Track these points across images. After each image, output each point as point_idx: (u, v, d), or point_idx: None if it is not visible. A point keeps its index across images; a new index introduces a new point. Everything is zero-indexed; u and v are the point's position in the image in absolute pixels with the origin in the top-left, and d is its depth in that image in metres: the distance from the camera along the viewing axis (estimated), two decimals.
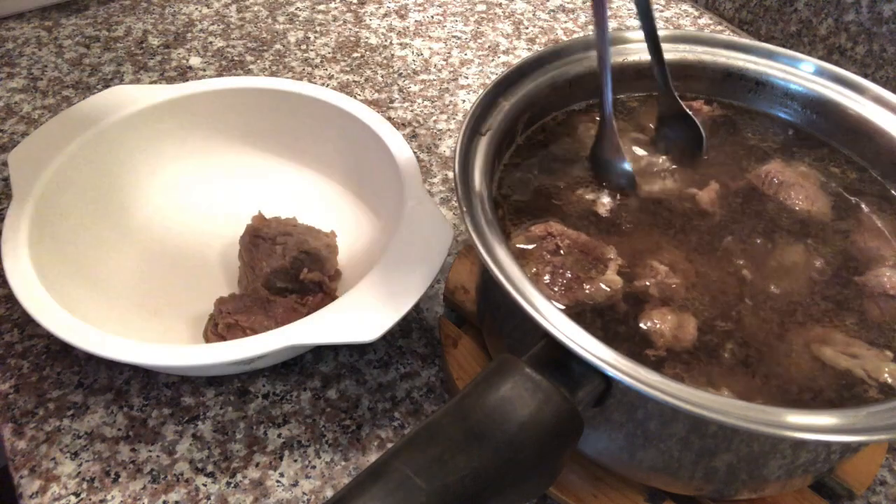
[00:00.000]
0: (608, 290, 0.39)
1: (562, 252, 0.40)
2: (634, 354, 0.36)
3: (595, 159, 0.46)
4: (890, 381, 0.36)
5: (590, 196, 0.45)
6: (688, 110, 0.47)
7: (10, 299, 0.52)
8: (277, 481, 0.43)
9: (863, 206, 0.45)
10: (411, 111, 0.71)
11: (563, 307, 0.38)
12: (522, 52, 0.80)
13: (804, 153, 0.48)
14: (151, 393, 0.47)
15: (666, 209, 0.44)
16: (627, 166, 0.45)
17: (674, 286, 0.39)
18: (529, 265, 0.40)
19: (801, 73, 0.48)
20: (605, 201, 0.44)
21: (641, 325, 0.38)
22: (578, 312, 0.38)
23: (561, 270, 0.39)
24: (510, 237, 0.41)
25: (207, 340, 0.47)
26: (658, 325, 0.37)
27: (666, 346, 0.37)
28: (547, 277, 0.39)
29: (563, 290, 0.39)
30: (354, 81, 0.74)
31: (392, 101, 0.72)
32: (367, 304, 0.43)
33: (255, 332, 0.45)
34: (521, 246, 0.41)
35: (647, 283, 0.39)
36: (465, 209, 0.37)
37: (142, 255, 0.54)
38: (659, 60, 0.46)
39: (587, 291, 0.39)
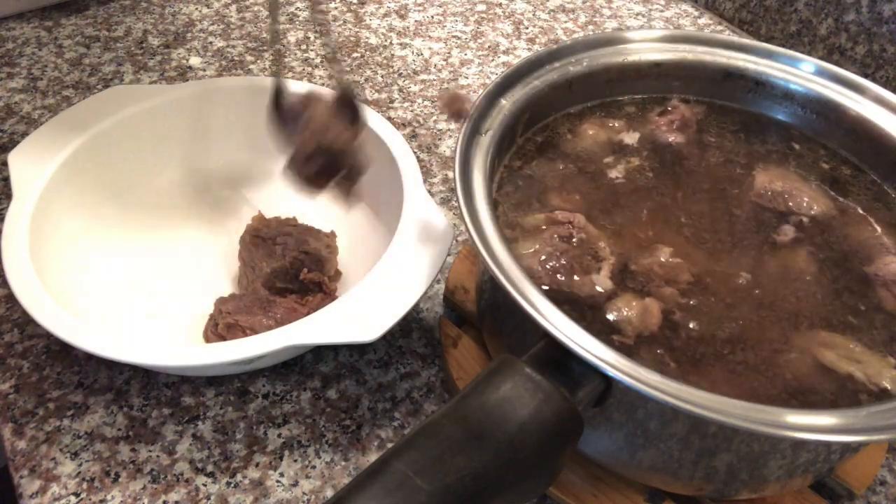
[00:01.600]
0: (599, 290, 0.39)
1: (572, 242, 0.40)
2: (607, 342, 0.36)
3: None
4: (890, 387, 0.36)
5: (590, 195, 0.45)
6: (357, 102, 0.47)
7: (10, 299, 0.52)
8: (277, 481, 0.43)
9: (862, 203, 0.45)
10: (411, 111, 0.71)
11: (544, 287, 0.38)
12: (522, 52, 0.80)
13: (803, 154, 0.48)
14: (151, 393, 0.47)
15: (668, 211, 0.44)
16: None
17: (678, 270, 0.40)
18: (533, 242, 0.40)
19: (801, 73, 0.48)
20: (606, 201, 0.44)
21: (609, 316, 0.38)
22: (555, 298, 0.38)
23: (559, 255, 0.39)
24: (526, 216, 0.42)
25: (207, 340, 0.47)
26: (626, 313, 0.38)
27: (635, 332, 0.37)
28: (543, 257, 0.39)
29: (551, 272, 0.39)
30: (354, 81, 0.74)
31: (392, 101, 0.72)
32: (367, 304, 0.43)
33: (255, 332, 0.45)
34: (536, 224, 0.41)
35: (652, 262, 0.40)
36: (465, 209, 0.37)
37: (142, 254, 0.54)
38: None
39: (575, 283, 0.39)
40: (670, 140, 0.48)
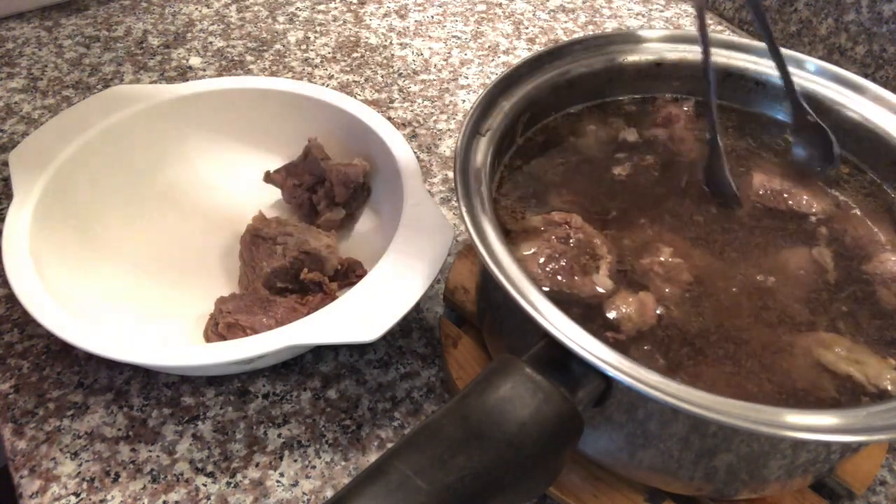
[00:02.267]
0: (600, 290, 0.39)
1: (570, 243, 0.40)
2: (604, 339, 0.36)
3: (707, 176, 0.46)
4: (890, 388, 0.36)
5: (589, 194, 0.45)
6: (821, 123, 0.46)
7: (11, 299, 0.52)
8: (277, 481, 0.43)
9: (860, 202, 0.45)
10: (411, 111, 0.71)
11: (545, 289, 0.38)
12: (522, 52, 0.80)
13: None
14: (151, 393, 0.47)
15: (671, 211, 0.44)
16: (732, 188, 0.45)
17: (678, 269, 0.40)
18: (532, 244, 0.40)
19: (801, 73, 0.48)
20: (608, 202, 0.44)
21: (608, 314, 0.38)
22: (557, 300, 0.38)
23: (557, 256, 0.39)
24: (525, 216, 0.42)
25: (208, 340, 0.47)
26: (624, 310, 0.38)
27: (635, 329, 0.37)
28: (542, 259, 0.39)
29: (551, 274, 0.39)
30: (354, 81, 0.74)
31: (392, 101, 0.72)
32: (367, 304, 0.43)
33: (255, 331, 0.45)
34: (534, 225, 0.41)
35: (652, 261, 0.40)
36: (465, 209, 0.37)
37: (142, 254, 0.54)
38: (785, 76, 0.46)
39: (576, 283, 0.39)
40: (656, 137, 0.48)
